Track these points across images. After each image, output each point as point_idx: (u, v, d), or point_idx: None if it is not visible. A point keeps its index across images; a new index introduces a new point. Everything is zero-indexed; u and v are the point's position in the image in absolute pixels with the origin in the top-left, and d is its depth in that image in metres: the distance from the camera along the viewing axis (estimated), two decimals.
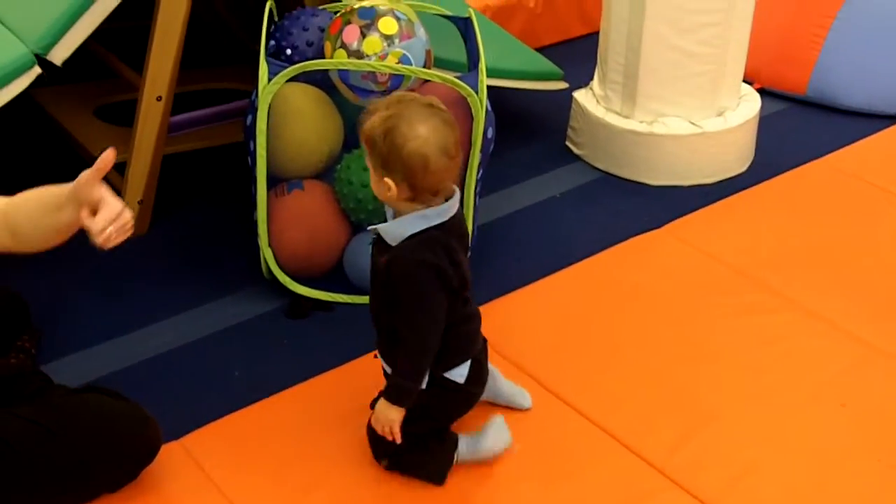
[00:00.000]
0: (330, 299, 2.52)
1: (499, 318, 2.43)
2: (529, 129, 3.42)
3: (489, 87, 2.47)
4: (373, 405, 1.97)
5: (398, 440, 1.91)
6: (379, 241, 1.93)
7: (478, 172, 2.52)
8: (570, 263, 2.68)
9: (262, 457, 2.04)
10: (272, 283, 2.55)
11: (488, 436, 2.03)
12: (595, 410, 2.17)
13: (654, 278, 2.63)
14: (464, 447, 2.01)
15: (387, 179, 1.82)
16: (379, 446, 1.98)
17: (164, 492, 1.95)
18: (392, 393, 1.89)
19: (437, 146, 1.80)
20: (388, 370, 1.96)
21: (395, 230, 1.88)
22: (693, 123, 3.08)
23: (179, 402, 2.17)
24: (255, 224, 2.51)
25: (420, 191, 1.83)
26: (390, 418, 1.89)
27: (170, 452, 1.99)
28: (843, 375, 2.29)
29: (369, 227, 1.96)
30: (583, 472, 2.03)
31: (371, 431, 1.98)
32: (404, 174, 1.81)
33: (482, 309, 2.39)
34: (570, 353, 2.35)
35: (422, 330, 1.86)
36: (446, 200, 1.87)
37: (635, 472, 2.03)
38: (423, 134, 1.80)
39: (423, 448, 1.98)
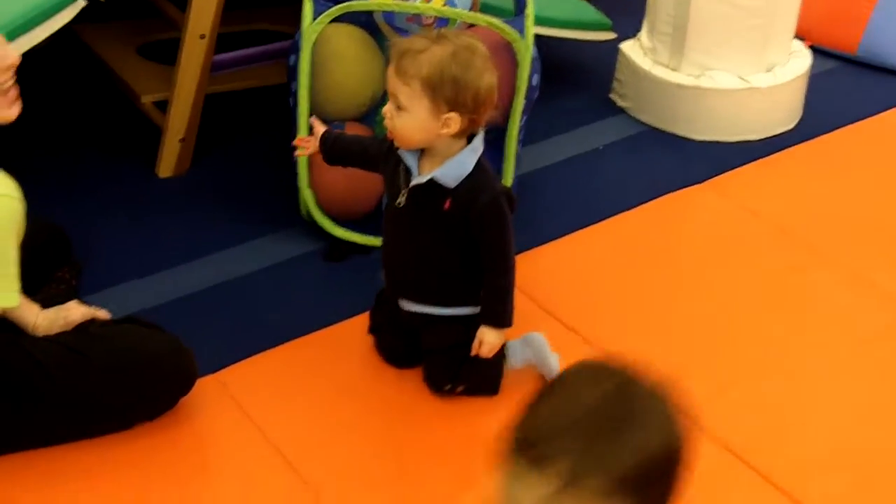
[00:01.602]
0: (367, 243, 2.52)
1: (536, 266, 2.43)
2: (574, 80, 3.38)
3: (535, 36, 2.44)
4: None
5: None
6: (423, 188, 1.91)
7: (521, 120, 2.50)
8: (610, 216, 2.66)
9: (297, 394, 2.06)
10: (311, 225, 2.55)
11: (534, 344, 2.08)
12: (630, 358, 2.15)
13: (695, 233, 2.61)
14: (513, 360, 2.08)
15: (451, 115, 1.83)
16: (443, 374, 2.03)
17: (200, 423, 1.97)
18: (499, 319, 1.98)
19: (497, 80, 1.86)
20: (431, 311, 2.01)
21: (456, 170, 1.89)
22: (741, 78, 3.04)
23: (216, 338, 2.18)
24: (295, 165, 2.51)
25: (475, 125, 1.87)
26: (497, 343, 1.99)
27: (206, 386, 2.01)
28: (883, 335, 2.27)
29: (418, 181, 1.93)
30: None
31: (432, 363, 2.03)
32: (473, 108, 1.83)
33: (520, 258, 2.39)
34: (606, 304, 2.34)
35: (512, 254, 1.96)
36: None
37: None
38: (491, 67, 1.85)
39: (479, 365, 2.02)
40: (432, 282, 2.01)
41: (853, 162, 2.93)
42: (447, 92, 1.82)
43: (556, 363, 2.08)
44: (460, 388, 2.05)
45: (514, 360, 2.08)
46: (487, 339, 1.99)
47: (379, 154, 2.03)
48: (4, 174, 1.63)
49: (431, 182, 1.90)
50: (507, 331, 2.02)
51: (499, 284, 1.98)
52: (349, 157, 2.12)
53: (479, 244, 1.95)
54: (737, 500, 1.88)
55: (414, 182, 1.93)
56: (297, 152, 2.16)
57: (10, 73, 1.67)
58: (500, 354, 2.06)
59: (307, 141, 2.14)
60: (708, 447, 1.93)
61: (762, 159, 2.93)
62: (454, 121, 1.84)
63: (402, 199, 1.95)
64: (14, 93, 1.68)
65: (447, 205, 1.91)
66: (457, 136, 1.89)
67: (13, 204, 1.61)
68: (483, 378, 2.06)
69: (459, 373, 2.03)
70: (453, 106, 1.83)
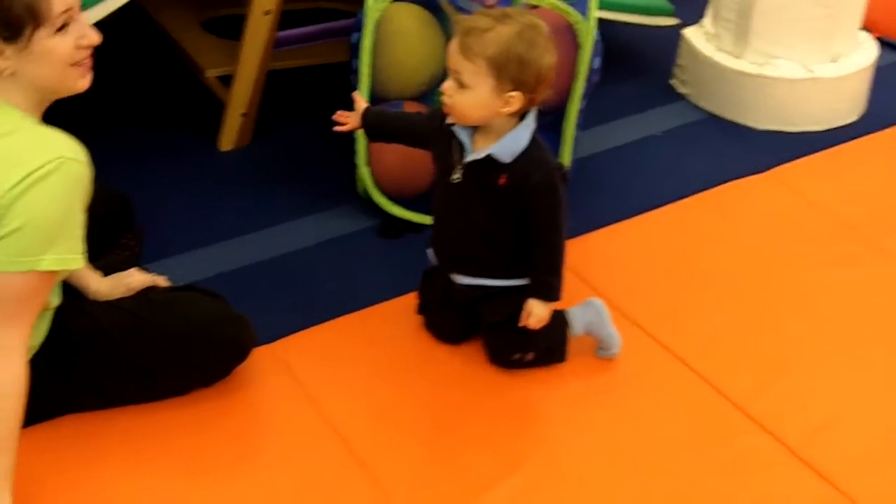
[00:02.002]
0: (422, 221, 2.53)
1: (591, 251, 2.43)
2: (635, 65, 3.36)
3: (598, 20, 2.43)
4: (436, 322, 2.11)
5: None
6: (478, 164, 1.93)
7: (580, 103, 2.49)
8: (667, 203, 2.65)
9: (351, 367, 2.08)
10: (367, 202, 2.58)
11: (594, 306, 2.11)
12: (682, 348, 2.15)
13: (754, 223, 2.58)
14: (576, 324, 2.10)
15: (514, 94, 1.85)
16: (510, 344, 2.05)
17: (254, 392, 2.00)
18: (549, 293, 2.01)
19: (556, 60, 1.88)
20: (488, 283, 2.04)
21: (512, 146, 1.92)
22: (805, 68, 3.00)
23: (272, 309, 2.21)
24: (354, 143, 2.53)
25: (534, 103, 1.90)
26: (545, 316, 2.01)
27: (261, 355, 2.04)
28: None
29: (475, 157, 1.95)
30: (666, 408, 2.03)
31: (495, 336, 2.05)
32: (534, 87, 1.86)
33: (574, 242, 2.40)
34: (661, 291, 2.33)
35: (563, 231, 1.98)
36: None
37: (720, 411, 2.02)
38: (552, 47, 1.87)
39: (544, 333, 2.04)
40: (487, 255, 2.04)
41: None
42: (512, 71, 1.83)
43: (614, 332, 2.10)
44: (530, 357, 2.06)
45: (577, 325, 2.09)
46: (535, 312, 2.00)
47: (428, 131, 2.04)
48: (73, 140, 1.66)
49: (487, 158, 1.92)
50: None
51: (549, 258, 2.00)
52: (393, 133, 2.14)
53: (532, 218, 1.97)
54: (787, 494, 1.86)
55: (470, 158, 1.95)
56: (337, 128, 2.15)
57: (90, 52, 1.71)
58: (563, 321, 2.08)
59: (346, 116, 2.14)
60: (759, 439, 1.95)
61: (824, 151, 2.90)
62: (516, 99, 1.86)
63: (457, 175, 1.97)
64: (88, 65, 1.72)
65: (502, 180, 1.94)
66: (514, 115, 1.91)
67: (81, 168, 1.65)
68: (549, 345, 2.08)
69: (526, 342, 2.04)
70: (517, 85, 1.85)
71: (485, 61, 1.83)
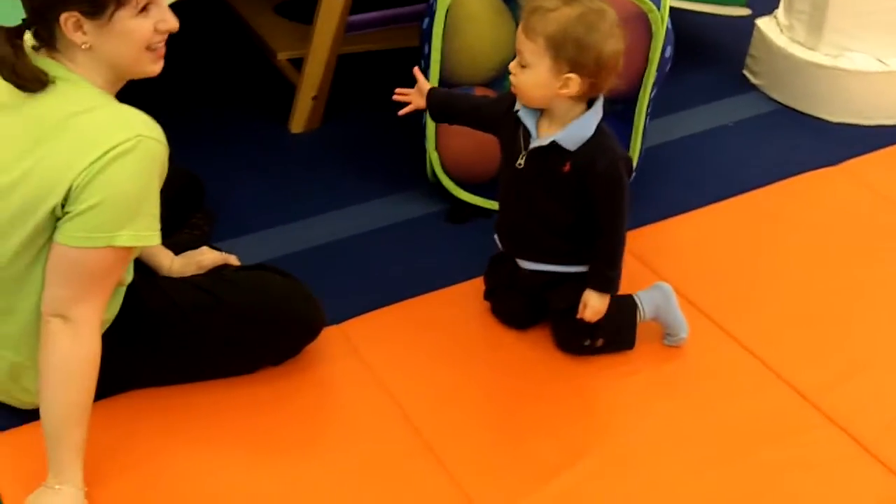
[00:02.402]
0: (490, 206, 2.53)
1: (660, 240, 2.42)
2: (707, 55, 3.33)
3: (670, 9, 2.41)
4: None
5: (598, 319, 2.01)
6: (543, 151, 1.94)
7: (651, 91, 2.47)
8: (738, 193, 2.62)
9: (418, 349, 2.09)
10: (435, 187, 2.58)
11: (662, 289, 2.10)
12: (752, 340, 2.13)
13: (825, 216, 2.55)
14: (645, 308, 2.09)
15: (571, 75, 1.84)
16: (579, 330, 2.04)
17: (322, 371, 2.02)
18: (606, 285, 2.00)
19: (623, 48, 1.86)
20: (553, 269, 2.04)
21: (578, 133, 1.91)
22: (881, 61, 2.95)
23: (341, 291, 2.23)
24: (423, 128, 2.53)
25: (597, 90, 1.89)
26: (602, 308, 2.00)
27: (330, 336, 2.06)
28: None
29: (539, 144, 1.95)
30: (736, 399, 2.01)
31: (564, 322, 2.05)
32: (594, 71, 1.85)
33: (642, 230, 2.38)
34: (731, 281, 2.31)
35: (624, 222, 1.98)
36: None
37: (790, 404, 2.00)
38: (619, 32, 1.86)
39: (613, 318, 2.04)
40: (552, 241, 2.04)
41: None
42: (569, 52, 1.83)
43: (681, 316, 2.08)
44: (599, 343, 2.06)
45: (646, 308, 2.08)
46: (591, 303, 2.00)
47: (495, 115, 2.05)
48: (151, 120, 1.69)
49: (552, 144, 1.93)
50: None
51: (609, 249, 1.99)
52: (459, 114, 2.13)
53: (595, 207, 1.96)
54: (857, 490, 1.84)
55: (535, 144, 1.95)
56: (401, 111, 2.14)
57: (166, 36, 1.73)
58: (633, 305, 2.08)
59: (406, 94, 2.13)
60: (829, 433, 1.92)
61: None
62: (574, 82, 1.86)
63: (521, 161, 1.98)
64: (161, 51, 1.74)
65: (567, 167, 1.94)
66: (577, 99, 1.91)
67: (159, 148, 1.67)
68: (618, 330, 2.07)
69: (595, 328, 2.04)
70: (574, 67, 1.84)
71: (543, 40, 1.84)
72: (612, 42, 1.86)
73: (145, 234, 1.69)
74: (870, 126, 2.97)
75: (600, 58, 1.85)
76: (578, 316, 2.01)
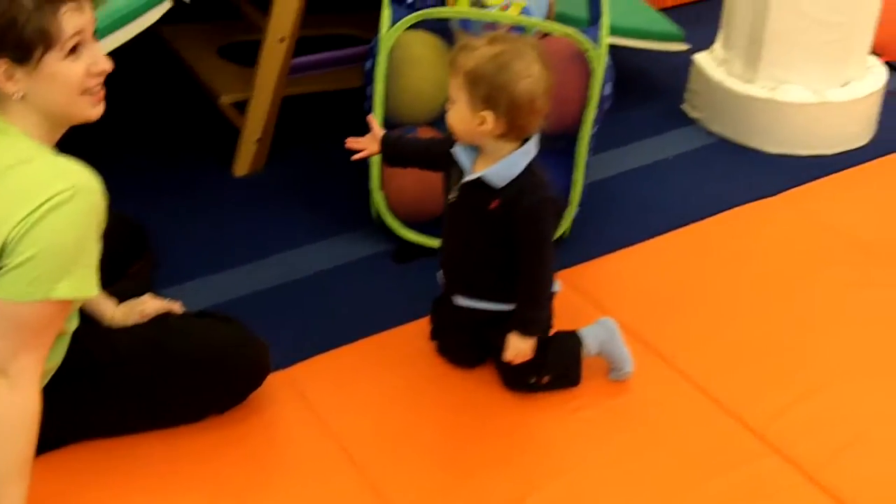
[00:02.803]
0: (435, 245, 2.53)
1: (603, 275, 2.43)
2: (646, 90, 3.38)
3: (609, 46, 2.44)
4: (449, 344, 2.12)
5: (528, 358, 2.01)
6: (473, 186, 1.96)
7: (592, 129, 2.50)
8: (680, 226, 2.65)
9: (365, 393, 2.08)
10: (381, 227, 2.59)
11: (606, 325, 2.11)
12: (697, 372, 2.15)
13: (767, 246, 2.58)
14: (589, 344, 2.09)
15: (484, 113, 1.87)
16: (524, 368, 2.03)
17: (269, 418, 2.00)
18: (528, 327, 2.00)
19: (545, 87, 1.88)
20: (491, 307, 2.04)
21: (505, 171, 1.93)
22: (816, 92, 3.01)
23: (287, 335, 2.22)
24: (367, 168, 2.54)
25: (516, 129, 1.90)
26: (525, 350, 2.00)
27: (276, 381, 2.04)
28: None
29: (468, 179, 1.98)
30: (682, 432, 2.02)
31: (508, 365, 2.04)
32: (508, 110, 1.87)
33: (587, 266, 2.40)
34: (675, 315, 2.33)
35: (550, 263, 1.97)
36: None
37: (735, 436, 2.01)
38: (536, 73, 1.87)
39: (557, 354, 2.05)
40: (487, 278, 2.04)
41: None
42: (482, 90, 1.86)
43: (626, 351, 2.09)
44: (545, 380, 2.06)
45: (590, 345, 2.09)
46: (513, 345, 2.00)
47: (442, 154, 2.06)
48: (88, 170, 1.67)
49: (481, 181, 1.95)
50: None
51: (531, 290, 2.00)
52: (410, 157, 2.15)
53: (516, 246, 1.97)
54: None
55: (465, 179, 1.98)
56: (355, 156, 2.15)
57: (102, 78, 1.71)
58: (577, 341, 2.08)
59: (359, 142, 2.14)
60: (774, 463, 1.94)
61: (836, 174, 2.90)
62: (489, 119, 1.88)
63: (453, 196, 2.00)
64: (100, 94, 1.72)
65: (494, 204, 1.95)
66: (504, 137, 1.92)
67: (96, 198, 1.65)
68: (563, 367, 2.08)
69: (539, 365, 2.04)
70: (487, 104, 1.87)
71: (462, 76, 1.88)
72: (525, 83, 1.86)
73: (84, 285, 1.67)
74: (807, 156, 3.02)
75: (512, 98, 1.86)
76: (502, 359, 2.01)
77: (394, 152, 2.14)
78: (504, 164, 1.93)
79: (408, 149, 2.15)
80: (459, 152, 1.98)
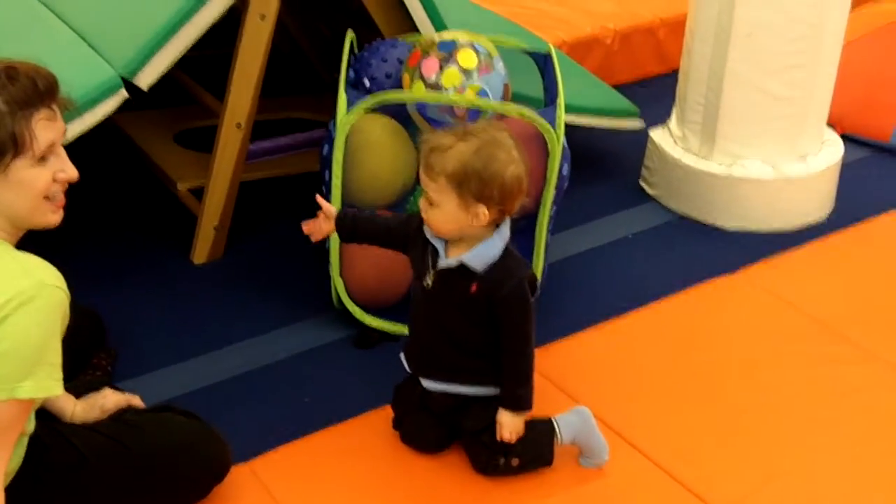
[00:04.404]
0: (397, 331, 2.51)
1: (566, 358, 2.42)
2: (603, 168, 3.40)
3: (565, 125, 2.46)
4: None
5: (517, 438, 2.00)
6: (451, 272, 1.95)
7: (551, 209, 2.51)
8: (642, 306, 2.64)
9: (329, 483, 2.04)
10: (342, 313, 2.56)
11: (582, 415, 2.08)
12: (664, 456, 2.13)
13: (729, 324, 2.58)
14: (562, 433, 2.06)
15: (480, 208, 1.88)
16: (493, 451, 2.03)
17: None
18: (518, 404, 2.00)
19: (526, 168, 1.92)
20: (464, 391, 2.04)
21: (485, 254, 1.94)
22: (773, 167, 3.04)
23: (249, 426, 2.18)
24: (327, 254, 2.52)
25: (506, 213, 1.93)
26: (518, 427, 2.00)
27: (238, 475, 2.00)
28: None
29: (448, 265, 1.97)
30: None
31: (478, 443, 2.03)
32: (500, 199, 1.88)
33: (549, 348, 2.38)
34: (640, 397, 2.31)
35: (532, 340, 1.98)
36: None
37: None
38: (517, 157, 1.90)
39: (528, 437, 2.03)
40: (461, 361, 2.04)
41: (888, 251, 2.90)
42: (473, 187, 1.87)
43: (602, 440, 2.07)
44: (515, 463, 2.03)
45: (565, 434, 2.06)
46: (506, 423, 2.00)
47: (405, 234, 2.05)
48: (51, 267, 1.65)
49: (459, 266, 1.94)
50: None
51: (519, 368, 2.00)
52: (368, 235, 2.12)
53: (501, 328, 1.98)
54: None
55: (443, 265, 1.97)
56: (314, 238, 2.14)
57: (65, 186, 1.71)
58: (550, 429, 2.06)
59: (310, 225, 2.12)
60: None
61: (796, 249, 2.92)
62: (483, 212, 1.89)
63: (429, 281, 1.99)
64: (61, 202, 1.72)
65: (474, 288, 1.95)
66: (490, 225, 1.94)
67: (61, 294, 1.64)
68: (534, 453, 2.05)
69: (510, 448, 2.02)
70: (480, 198, 1.88)
71: (445, 179, 1.87)
72: (512, 168, 1.89)
73: (48, 384, 1.64)
74: (766, 232, 3.04)
75: (503, 186, 1.88)
76: (497, 438, 2.00)
77: (350, 230, 2.11)
78: (484, 248, 1.94)
79: (365, 226, 2.12)
80: (433, 237, 1.98)
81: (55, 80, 1.67)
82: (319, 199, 2.14)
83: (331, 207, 2.13)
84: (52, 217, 1.71)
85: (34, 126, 1.62)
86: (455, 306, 1.99)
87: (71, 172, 1.70)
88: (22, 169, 1.63)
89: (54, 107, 1.67)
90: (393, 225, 2.12)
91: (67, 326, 1.71)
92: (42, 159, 1.65)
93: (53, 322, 1.63)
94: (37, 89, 1.63)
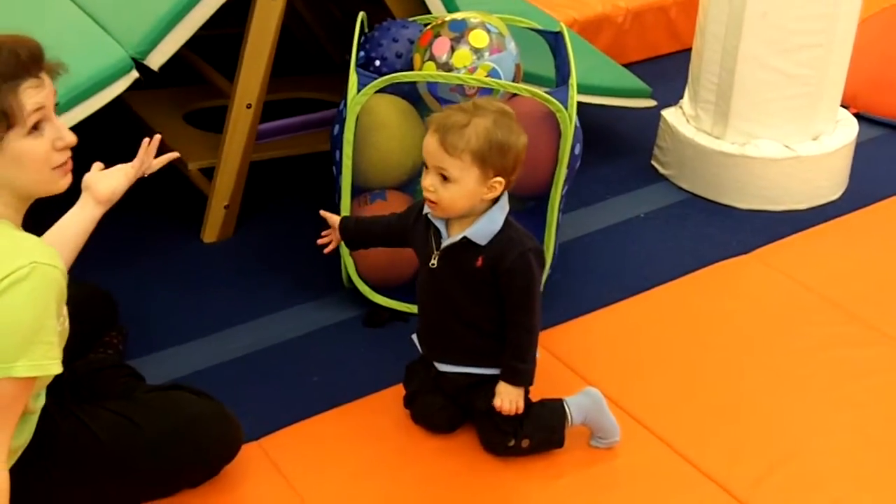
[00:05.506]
0: (406, 310, 2.51)
1: (577, 338, 2.41)
2: (615, 147, 3.38)
3: (577, 102, 2.44)
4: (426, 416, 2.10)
5: (521, 411, 2.00)
6: (456, 248, 1.96)
7: (563, 189, 2.49)
8: (654, 286, 2.63)
9: (339, 462, 2.04)
10: (352, 292, 2.56)
11: (592, 395, 2.08)
12: (677, 438, 2.12)
13: (741, 305, 2.57)
14: (573, 414, 2.06)
15: (497, 179, 1.91)
16: (504, 431, 2.02)
17: (242, 491, 1.96)
18: (517, 377, 2.00)
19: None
20: (475, 371, 2.03)
21: (487, 227, 1.95)
22: (787, 147, 3.02)
23: (259, 404, 2.18)
24: None
25: (510, 185, 1.95)
26: (516, 398, 1.99)
27: (248, 453, 2.00)
28: None
29: (451, 241, 1.97)
30: (664, 500, 1.99)
31: (489, 424, 2.02)
32: (513, 169, 1.92)
33: (560, 328, 2.37)
34: (651, 378, 2.30)
35: (536, 315, 1.98)
36: None
37: (718, 502, 1.98)
38: (521, 127, 1.93)
39: (540, 417, 2.04)
40: (471, 341, 2.03)
41: None
42: (495, 159, 1.89)
43: (613, 421, 2.06)
44: (526, 444, 2.03)
45: (575, 415, 2.06)
46: (505, 395, 1.99)
47: (405, 226, 2.08)
48: (47, 246, 1.64)
49: (463, 240, 1.95)
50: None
51: (520, 341, 2.00)
52: (372, 238, 2.20)
53: (505, 299, 1.98)
54: None
55: (447, 242, 1.97)
56: (326, 249, 2.24)
57: (68, 152, 1.70)
58: (561, 411, 2.05)
59: (327, 235, 2.23)
60: None
61: (809, 229, 2.90)
62: (499, 184, 1.92)
63: (434, 261, 1.98)
64: (68, 166, 1.71)
65: (479, 262, 1.96)
66: (496, 197, 1.96)
67: (55, 273, 1.63)
68: (545, 434, 2.05)
69: (521, 428, 2.02)
70: (499, 171, 1.90)
71: (470, 155, 1.87)
72: (522, 138, 1.93)
73: (43, 363, 1.63)
74: (779, 211, 3.03)
75: (518, 156, 1.92)
76: (496, 408, 2.00)
77: (353, 237, 2.21)
78: (485, 221, 1.95)
79: (367, 231, 2.20)
80: (434, 218, 1.99)
81: (39, 48, 1.65)
82: (323, 213, 2.23)
83: (335, 217, 2.21)
84: (60, 182, 1.71)
85: (21, 96, 1.61)
86: (462, 284, 1.99)
87: (69, 138, 1.69)
88: (17, 141, 1.62)
89: (42, 75, 1.65)
90: (392, 221, 2.16)
91: (79, 305, 1.71)
92: (36, 129, 1.64)
93: (47, 301, 1.62)
94: (20, 61, 1.61)
